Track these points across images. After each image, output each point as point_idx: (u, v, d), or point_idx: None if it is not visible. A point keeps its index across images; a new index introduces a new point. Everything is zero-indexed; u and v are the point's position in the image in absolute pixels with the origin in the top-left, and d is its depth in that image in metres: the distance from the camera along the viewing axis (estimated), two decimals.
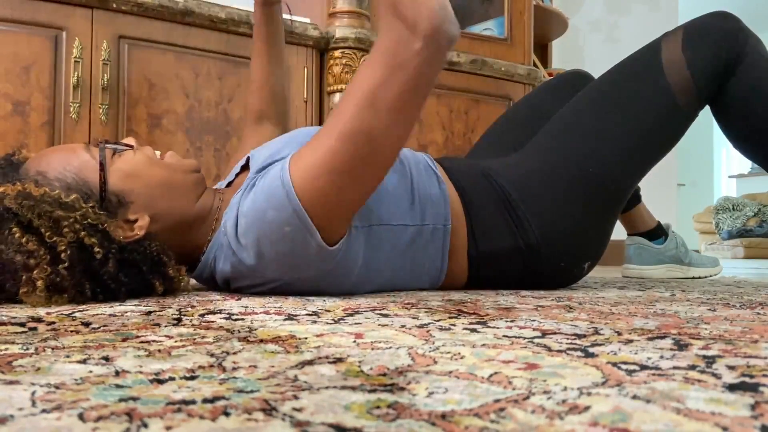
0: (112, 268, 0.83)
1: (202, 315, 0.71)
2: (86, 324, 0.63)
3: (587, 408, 0.34)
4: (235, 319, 0.67)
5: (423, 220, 1.04)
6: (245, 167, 1.08)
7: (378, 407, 0.34)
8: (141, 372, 0.42)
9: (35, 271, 0.78)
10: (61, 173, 0.88)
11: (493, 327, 0.64)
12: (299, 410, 0.33)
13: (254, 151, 1.06)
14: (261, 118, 1.30)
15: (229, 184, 1.09)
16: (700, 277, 1.69)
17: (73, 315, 0.70)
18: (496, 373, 0.43)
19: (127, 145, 0.96)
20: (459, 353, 0.49)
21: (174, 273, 0.91)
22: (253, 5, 1.25)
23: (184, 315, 0.70)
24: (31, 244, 0.79)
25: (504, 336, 0.58)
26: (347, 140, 0.83)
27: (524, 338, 0.57)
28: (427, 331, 0.60)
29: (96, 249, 0.82)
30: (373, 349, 0.51)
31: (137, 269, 0.87)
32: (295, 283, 0.93)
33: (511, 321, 0.69)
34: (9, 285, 0.80)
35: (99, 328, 0.61)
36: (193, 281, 1.06)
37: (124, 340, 0.54)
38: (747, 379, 0.41)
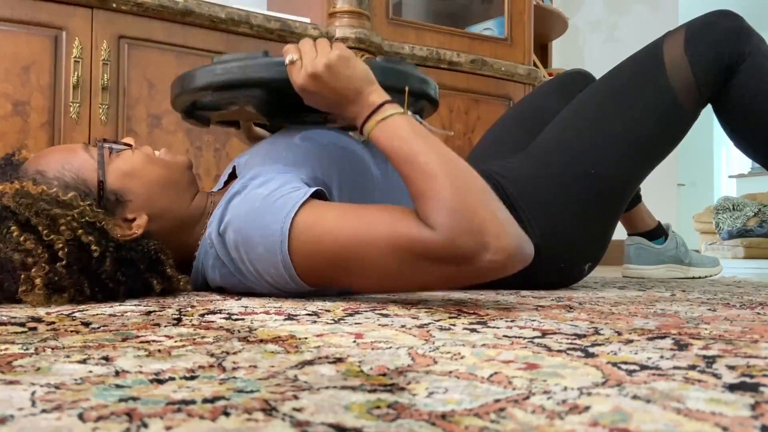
0: (109, 266, 0.83)
1: (202, 315, 0.71)
2: (86, 324, 0.63)
3: (587, 408, 0.34)
4: (235, 319, 0.67)
5: None
6: (233, 175, 1.07)
7: (378, 407, 0.34)
8: (141, 372, 0.42)
9: (33, 270, 0.79)
10: (59, 172, 0.88)
11: (493, 327, 0.64)
12: (299, 410, 0.33)
13: (239, 159, 1.05)
14: None
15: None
16: (700, 277, 1.69)
17: (73, 315, 0.70)
18: (496, 373, 0.43)
19: (125, 144, 0.96)
20: (459, 353, 0.49)
21: (172, 272, 0.91)
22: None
23: (184, 315, 0.70)
24: (29, 242, 0.79)
25: (504, 336, 0.58)
26: (362, 252, 0.80)
27: (524, 338, 0.57)
28: (427, 331, 0.60)
29: (93, 247, 0.81)
30: (373, 349, 0.51)
31: (135, 268, 0.87)
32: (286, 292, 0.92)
33: (511, 321, 0.69)
34: (8, 284, 0.80)
35: (99, 328, 0.61)
36: None
37: (124, 340, 0.54)
38: (747, 379, 0.41)
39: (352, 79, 0.85)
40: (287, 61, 0.87)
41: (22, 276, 0.79)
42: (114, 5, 1.68)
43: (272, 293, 0.90)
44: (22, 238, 0.79)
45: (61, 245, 0.80)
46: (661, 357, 0.48)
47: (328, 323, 0.65)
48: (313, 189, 0.87)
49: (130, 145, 0.96)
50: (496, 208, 0.78)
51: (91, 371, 0.42)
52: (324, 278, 0.85)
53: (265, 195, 0.86)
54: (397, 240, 0.78)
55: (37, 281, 0.78)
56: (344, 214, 0.83)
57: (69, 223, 0.81)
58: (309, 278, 0.85)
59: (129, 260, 0.86)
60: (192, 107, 1.05)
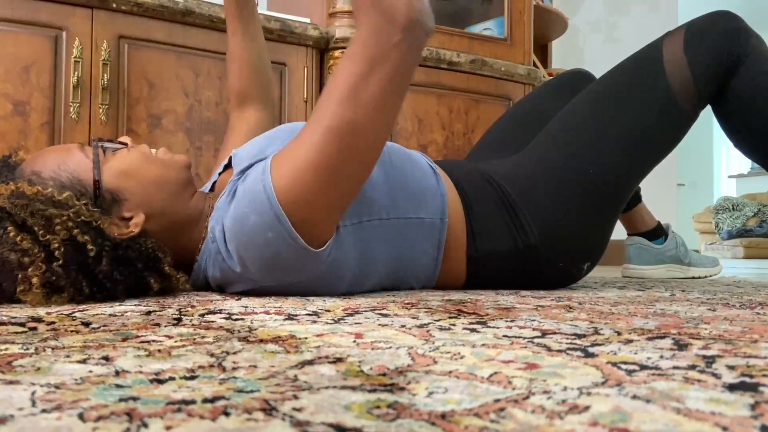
0: (106, 265, 0.83)
1: (202, 315, 0.71)
2: (86, 324, 0.63)
3: (587, 408, 0.34)
4: (235, 319, 0.67)
5: (417, 213, 1.04)
6: (228, 166, 1.07)
7: (378, 407, 0.34)
8: (141, 372, 0.42)
9: (30, 270, 0.79)
10: (55, 172, 0.88)
11: (493, 327, 0.64)
12: (299, 410, 0.33)
13: (236, 150, 1.05)
14: (244, 100, 1.27)
15: (213, 186, 1.08)
16: (700, 277, 1.69)
17: (73, 315, 0.70)
18: (496, 373, 0.43)
19: (120, 143, 0.96)
20: (459, 353, 0.49)
21: (170, 271, 0.91)
22: None
23: (184, 315, 0.70)
24: (25, 242, 0.79)
25: (504, 336, 0.58)
26: (330, 136, 0.83)
27: (524, 338, 0.57)
28: (427, 331, 0.60)
29: (89, 246, 0.82)
30: (373, 349, 0.51)
31: (132, 267, 0.87)
32: (288, 287, 0.92)
33: (511, 321, 0.69)
34: (6, 284, 0.80)
35: (99, 328, 0.61)
36: None
37: (124, 340, 0.54)
38: (747, 379, 0.41)
39: None
40: None
41: (20, 276, 0.79)
42: (114, 5, 1.68)
43: (274, 290, 0.90)
44: (18, 239, 0.79)
45: (57, 245, 0.80)
46: (661, 357, 0.48)
47: (328, 323, 0.65)
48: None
49: (125, 144, 0.96)
50: None
51: (91, 371, 0.42)
52: (320, 211, 0.87)
53: (250, 178, 0.89)
54: (341, 91, 0.83)
55: (35, 281, 0.78)
56: (301, 131, 0.87)
57: (64, 222, 0.81)
58: (307, 224, 0.85)
59: (126, 259, 0.86)
60: None
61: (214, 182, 1.08)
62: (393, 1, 0.81)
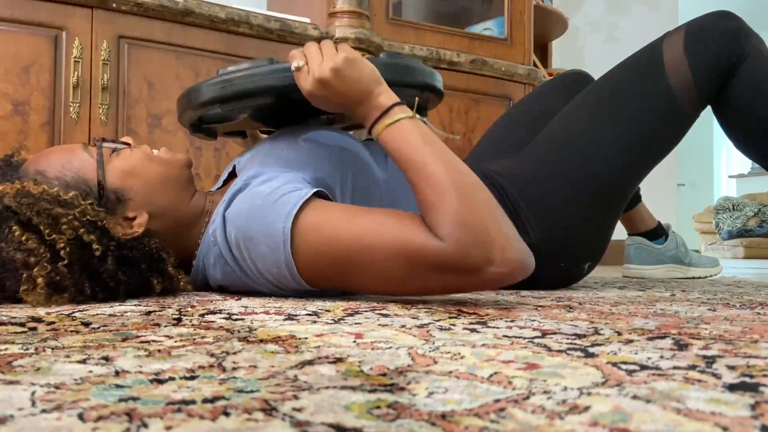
0: (111, 265, 0.83)
1: (202, 315, 0.71)
2: (86, 324, 0.63)
3: (587, 408, 0.34)
4: (235, 319, 0.67)
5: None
6: (233, 174, 1.07)
7: (378, 407, 0.34)
8: (141, 372, 0.42)
9: (35, 269, 0.79)
10: (60, 172, 0.88)
11: (493, 327, 0.64)
12: (299, 410, 0.33)
13: (239, 158, 1.05)
14: None
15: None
16: (700, 277, 1.69)
17: (73, 315, 0.70)
18: (496, 373, 0.43)
19: (124, 143, 0.96)
20: (459, 353, 0.49)
21: (173, 271, 0.91)
22: None
23: (184, 315, 0.70)
24: (30, 242, 0.79)
25: (504, 336, 0.58)
26: (366, 255, 0.80)
27: (524, 338, 0.57)
28: (427, 331, 0.60)
29: (95, 246, 0.82)
30: (373, 349, 0.51)
31: (137, 267, 0.87)
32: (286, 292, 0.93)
33: (511, 321, 0.69)
34: (9, 283, 0.80)
35: (99, 328, 0.61)
36: None
37: (124, 340, 0.54)
38: (747, 379, 0.41)
39: (359, 81, 0.85)
40: (293, 68, 0.87)
41: (24, 275, 0.79)
42: (114, 5, 1.68)
43: (272, 292, 0.90)
44: (23, 238, 0.79)
45: (62, 244, 0.80)
46: (661, 357, 0.48)
47: (328, 323, 0.65)
48: (315, 189, 0.87)
49: (128, 144, 0.96)
50: (502, 222, 0.80)
51: (91, 371, 0.42)
52: (326, 279, 0.86)
53: (267, 193, 0.86)
54: (404, 247, 0.78)
55: (39, 281, 0.78)
56: (351, 216, 0.83)
57: (70, 222, 0.81)
58: (311, 279, 0.85)
59: (130, 259, 0.87)
60: (199, 122, 1.05)
61: (219, 188, 1.08)
62: (495, 243, 0.76)
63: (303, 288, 0.87)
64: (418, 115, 0.86)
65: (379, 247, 0.79)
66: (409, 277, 0.80)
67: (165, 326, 0.62)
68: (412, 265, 0.79)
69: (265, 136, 1.20)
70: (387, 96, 0.86)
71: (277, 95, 0.94)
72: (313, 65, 0.85)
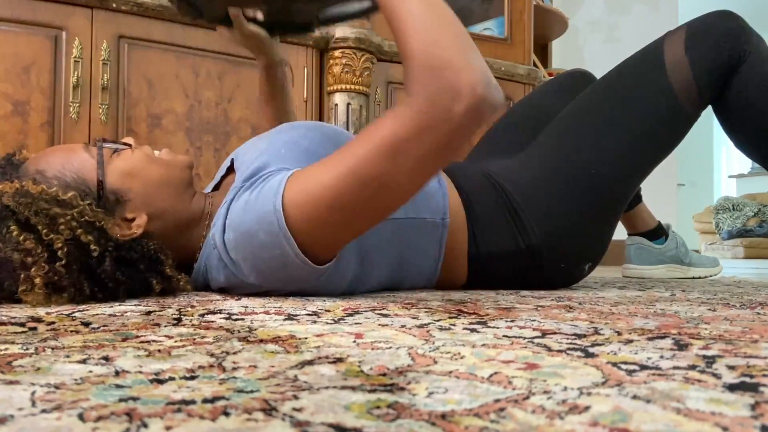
0: (109, 266, 0.83)
1: (202, 315, 0.71)
2: (86, 324, 0.63)
3: (587, 408, 0.34)
4: (235, 319, 0.67)
5: (418, 213, 1.04)
6: (230, 169, 1.07)
7: (378, 407, 0.34)
8: (141, 372, 0.42)
9: (33, 269, 0.79)
10: (59, 172, 0.88)
11: (493, 327, 0.64)
12: (299, 410, 0.33)
13: (237, 151, 1.05)
14: None
15: (216, 187, 1.08)
16: (700, 277, 1.69)
17: (73, 315, 0.70)
18: (496, 373, 0.43)
19: (125, 143, 0.96)
20: (459, 353, 0.49)
21: (172, 272, 0.91)
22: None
23: (184, 315, 0.70)
24: (28, 242, 0.79)
25: (504, 336, 0.58)
26: (354, 181, 0.80)
27: (524, 338, 0.57)
28: (427, 331, 0.60)
29: (92, 246, 0.82)
30: (373, 349, 0.51)
31: (135, 268, 0.87)
32: (294, 291, 0.92)
33: (511, 321, 0.69)
34: (7, 283, 0.80)
35: (99, 328, 0.61)
36: None
37: (124, 340, 0.54)
38: (747, 379, 0.41)
39: None
40: None
41: (22, 276, 0.79)
42: (114, 5, 1.68)
43: (279, 289, 0.90)
44: (21, 238, 0.79)
45: (60, 245, 0.80)
46: (661, 357, 0.48)
47: (328, 323, 0.65)
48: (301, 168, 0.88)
49: (129, 145, 0.96)
50: (470, 54, 0.79)
51: (91, 371, 0.42)
52: (329, 238, 0.86)
53: (253, 188, 0.88)
54: (378, 143, 0.79)
55: (37, 281, 0.78)
56: (327, 163, 0.84)
57: (68, 222, 0.81)
58: (313, 246, 0.85)
59: (128, 260, 0.86)
60: None
61: (218, 183, 1.08)
62: (458, 76, 0.77)
63: (308, 268, 0.86)
64: None
65: (360, 165, 0.80)
66: (395, 169, 0.80)
67: (165, 326, 0.62)
68: (392, 151, 0.79)
69: (253, 27, 1.15)
70: None
71: None
72: None
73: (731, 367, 0.45)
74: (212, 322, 0.65)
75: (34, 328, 0.60)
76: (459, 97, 0.77)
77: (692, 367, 0.45)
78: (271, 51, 1.19)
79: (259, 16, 1.13)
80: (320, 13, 1.11)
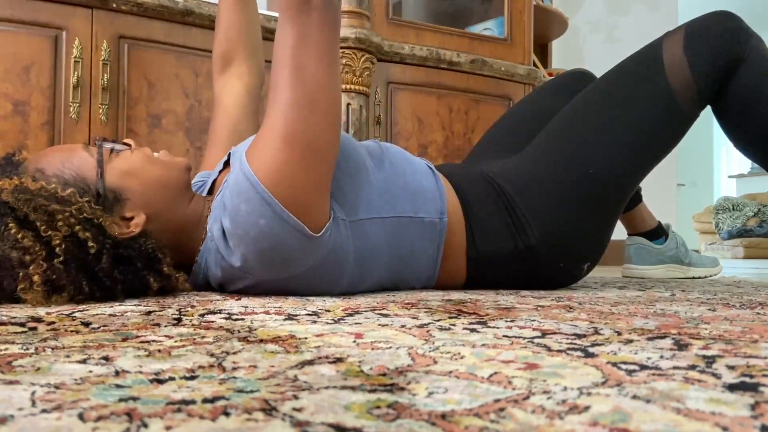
0: (106, 263, 0.83)
1: (202, 315, 0.71)
2: (86, 324, 0.63)
3: (587, 408, 0.34)
4: (235, 319, 0.67)
5: (416, 213, 1.04)
6: (227, 163, 1.07)
7: (378, 407, 0.34)
8: (141, 372, 0.42)
9: (31, 267, 0.79)
10: (59, 170, 0.88)
11: (493, 327, 0.64)
12: (299, 410, 0.33)
13: (235, 148, 1.05)
14: (227, 64, 1.27)
15: (213, 184, 1.08)
16: (700, 277, 1.69)
17: (73, 315, 0.70)
18: (496, 373, 0.43)
19: (125, 143, 0.96)
20: (459, 353, 0.49)
21: (169, 271, 0.91)
22: None
23: (184, 315, 0.70)
24: (26, 240, 0.79)
25: (504, 336, 0.58)
26: (290, 110, 0.86)
27: (524, 338, 0.57)
28: (427, 331, 0.60)
29: (90, 243, 0.82)
30: (373, 349, 0.51)
31: (132, 266, 0.87)
32: (289, 282, 0.92)
33: (511, 321, 0.69)
34: (6, 282, 0.80)
35: (99, 328, 0.61)
36: None
37: (124, 340, 0.54)
38: (747, 379, 0.41)
39: None
40: None
41: (21, 274, 0.79)
42: (114, 5, 1.68)
43: (272, 277, 0.90)
44: (19, 236, 0.79)
45: (58, 241, 0.80)
46: (661, 357, 0.48)
47: (328, 323, 0.65)
48: None
49: (129, 145, 0.96)
50: None
51: (91, 371, 0.42)
52: (305, 187, 0.87)
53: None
54: (284, 65, 0.87)
55: (36, 279, 0.78)
56: (264, 120, 0.89)
57: (67, 219, 0.81)
58: (296, 204, 0.86)
59: (126, 258, 0.87)
60: None
61: (214, 180, 1.08)
62: None
63: (301, 232, 0.87)
64: None
65: (287, 93, 0.87)
66: (307, 73, 0.87)
67: (165, 326, 0.62)
68: (295, 62, 0.86)
69: None
70: None
71: None
72: None
73: (731, 367, 0.45)
74: (212, 322, 0.65)
75: (34, 328, 0.60)
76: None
77: (692, 367, 0.45)
78: None
79: None
80: None
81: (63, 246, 0.80)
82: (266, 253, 0.88)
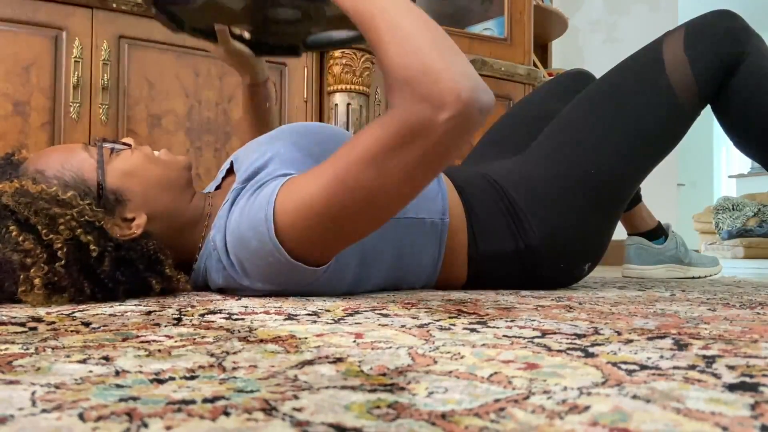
0: (108, 266, 0.83)
1: (202, 315, 0.71)
2: (86, 324, 0.63)
3: (587, 408, 0.34)
4: (235, 319, 0.67)
5: (418, 213, 1.04)
6: (230, 170, 1.07)
7: (378, 407, 0.34)
8: (141, 372, 0.42)
9: (32, 270, 0.78)
10: (59, 171, 0.88)
11: (493, 327, 0.64)
12: (299, 410, 0.33)
13: (237, 153, 1.05)
14: None
15: (216, 189, 1.08)
16: (699, 277, 1.69)
17: (73, 315, 0.70)
18: (496, 373, 0.43)
19: (125, 143, 0.96)
20: (459, 353, 0.49)
21: (171, 272, 0.91)
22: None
23: (184, 315, 0.70)
24: (27, 242, 0.79)
25: (504, 336, 0.58)
26: (342, 190, 0.80)
27: (524, 338, 0.57)
28: (427, 331, 0.60)
29: (92, 246, 0.81)
30: (373, 349, 0.51)
31: (134, 268, 0.87)
32: (294, 290, 0.92)
33: (511, 321, 0.69)
34: (7, 284, 0.80)
35: (99, 328, 0.61)
36: None
37: (124, 340, 0.54)
38: (747, 379, 0.41)
39: None
40: None
41: (22, 276, 0.79)
42: (114, 5, 1.68)
43: (276, 291, 0.90)
44: (21, 238, 0.79)
45: (59, 245, 0.80)
46: (661, 357, 0.48)
47: (328, 323, 0.65)
48: (294, 173, 0.88)
49: (129, 145, 0.96)
50: (451, 62, 0.76)
51: (91, 371, 0.42)
52: (319, 245, 0.85)
53: (251, 193, 0.88)
54: (362, 151, 0.78)
55: (37, 281, 0.78)
56: (312, 172, 0.84)
57: (68, 222, 0.81)
58: (304, 253, 0.85)
59: (128, 260, 0.86)
60: None
61: (218, 185, 1.08)
62: (439, 84, 0.73)
63: (301, 271, 0.86)
64: None
65: (346, 173, 0.79)
66: (381, 178, 0.78)
67: (165, 326, 0.62)
68: (377, 161, 0.77)
69: (237, 44, 1.13)
70: None
71: None
72: None
73: (731, 367, 0.45)
74: (212, 322, 0.65)
75: (34, 328, 0.60)
76: (442, 105, 0.74)
77: (692, 367, 0.45)
78: (256, 70, 1.18)
79: (246, 34, 1.12)
80: (307, 38, 1.11)
81: (64, 249, 0.80)
82: (270, 275, 0.88)
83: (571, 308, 0.83)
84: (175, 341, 0.54)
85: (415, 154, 0.77)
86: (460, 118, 0.75)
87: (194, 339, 0.55)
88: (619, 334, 0.60)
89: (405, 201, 0.84)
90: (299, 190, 0.83)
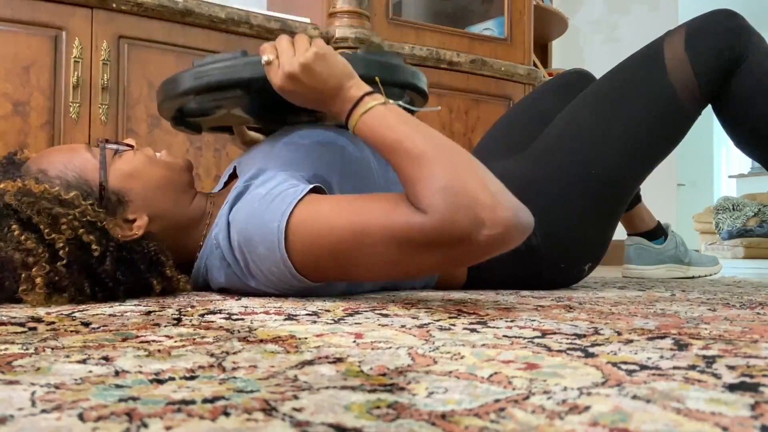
0: (109, 266, 0.83)
1: (202, 315, 0.71)
2: (86, 324, 0.63)
3: (587, 408, 0.34)
4: (235, 319, 0.67)
5: None
6: (233, 175, 1.07)
7: (378, 407, 0.34)
8: (141, 372, 0.42)
9: (34, 269, 0.79)
10: (61, 171, 0.88)
11: (493, 327, 0.64)
12: (299, 410, 0.33)
13: (239, 159, 1.05)
14: None
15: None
16: (699, 276, 1.69)
17: (73, 315, 0.70)
18: (496, 373, 0.43)
19: (127, 145, 0.96)
20: (459, 353, 0.49)
21: (172, 273, 0.91)
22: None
23: (184, 315, 0.70)
24: (29, 242, 0.79)
25: (504, 336, 0.58)
26: (359, 244, 0.79)
27: (524, 338, 0.57)
28: (427, 331, 0.60)
29: (94, 246, 0.82)
30: (373, 349, 0.51)
31: (135, 268, 0.87)
32: (290, 295, 0.93)
33: (511, 321, 0.69)
34: (8, 283, 0.80)
35: (99, 328, 0.61)
36: None
37: (124, 340, 0.54)
38: (747, 379, 0.41)
39: (330, 76, 0.84)
40: (263, 62, 0.86)
41: (23, 275, 0.79)
42: (114, 5, 1.68)
43: (278, 293, 0.90)
44: (23, 238, 0.79)
45: (61, 244, 0.80)
46: (661, 357, 0.48)
47: (328, 323, 0.65)
48: (311, 186, 0.87)
49: (131, 146, 0.96)
50: (488, 181, 0.77)
51: (91, 371, 0.42)
52: (324, 271, 0.85)
53: (263, 194, 0.86)
54: (392, 229, 0.77)
55: (38, 281, 0.78)
56: (338, 206, 0.83)
57: (70, 222, 0.81)
58: (310, 273, 0.85)
59: (129, 260, 0.86)
60: (179, 114, 1.04)
61: (221, 189, 1.08)
62: (483, 210, 0.73)
63: (305, 284, 0.87)
64: (390, 101, 0.84)
65: (368, 232, 0.79)
66: (402, 259, 0.79)
67: (165, 326, 0.62)
68: (402, 245, 0.77)
69: (253, 133, 1.18)
70: (358, 87, 0.84)
71: (250, 88, 0.93)
72: (283, 59, 0.84)
73: (731, 367, 0.45)
74: (212, 322, 0.65)
75: (34, 328, 0.60)
76: (483, 227, 0.73)
77: (692, 367, 0.45)
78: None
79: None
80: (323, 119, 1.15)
81: (66, 249, 0.80)
82: (273, 278, 0.87)
83: (571, 308, 0.83)
84: (175, 341, 0.54)
85: (440, 257, 0.78)
86: (501, 237, 0.75)
87: (194, 339, 0.55)
88: (619, 334, 0.60)
89: (416, 276, 0.86)
90: (318, 217, 0.82)
